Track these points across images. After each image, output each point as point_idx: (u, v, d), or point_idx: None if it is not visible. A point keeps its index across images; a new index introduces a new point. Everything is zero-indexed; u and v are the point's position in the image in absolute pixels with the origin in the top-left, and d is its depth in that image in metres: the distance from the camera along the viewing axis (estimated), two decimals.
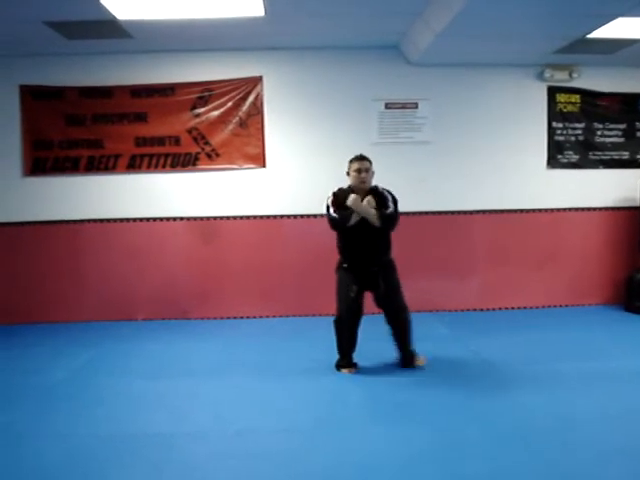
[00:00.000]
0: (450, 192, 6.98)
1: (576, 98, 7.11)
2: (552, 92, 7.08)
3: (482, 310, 7.09)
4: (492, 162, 7.07)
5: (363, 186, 4.79)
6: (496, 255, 7.12)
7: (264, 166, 6.92)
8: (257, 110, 6.87)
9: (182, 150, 6.86)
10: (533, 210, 7.14)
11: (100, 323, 6.73)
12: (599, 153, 7.19)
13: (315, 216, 6.85)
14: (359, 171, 4.76)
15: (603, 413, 3.96)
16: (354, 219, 4.70)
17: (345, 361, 4.92)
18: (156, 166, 6.87)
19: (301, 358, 5.31)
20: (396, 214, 4.79)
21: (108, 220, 6.89)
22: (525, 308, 7.12)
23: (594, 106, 7.13)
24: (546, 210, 7.15)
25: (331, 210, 4.83)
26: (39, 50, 6.51)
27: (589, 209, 7.20)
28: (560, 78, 6.99)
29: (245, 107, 6.86)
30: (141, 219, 6.90)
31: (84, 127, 6.79)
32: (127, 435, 3.74)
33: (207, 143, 6.86)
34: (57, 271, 6.87)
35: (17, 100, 6.75)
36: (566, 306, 7.16)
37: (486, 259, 7.13)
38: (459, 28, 5.44)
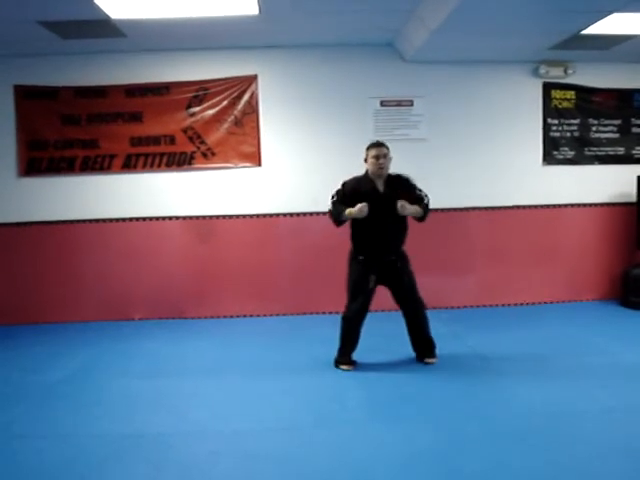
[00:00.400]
0: (446, 189, 6.97)
1: (571, 94, 7.12)
2: (547, 88, 7.09)
3: (479, 307, 7.10)
4: (488, 159, 7.07)
5: (381, 172, 4.77)
6: (492, 252, 7.13)
7: (260, 165, 6.92)
8: (252, 109, 6.86)
9: (177, 149, 6.85)
10: (529, 206, 7.14)
11: (97, 323, 6.72)
12: (594, 149, 7.20)
13: (311, 214, 6.88)
14: (377, 157, 4.73)
15: (602, 408, 3.98)
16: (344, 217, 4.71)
17: (345, 358, 4.92)
18: (152, 166, 6.85)
19: (299, 356, 5.31)
20: (428, 202, 4.87)
21: (104, 220, 6.87)
22: (522, 304, 7.13)
23: (589, 102, 7.14)
24: (542, 206, 7.16)
25: (331, 203, 4.83)
26: (33, 50, 6.49)
27: (585, 205, 7.21)
28: (555, 74, 6.99)
29: (240, 106, 6.85)
30: (137, 219, 6.88)
31: (79, 127, 6.77)
32: (125, 434, 3.74)
33: (202, 142, 6.85)
34: (53, 271, 6.85)
35: (11, 100, 6.73)
36: (563, 302, 7.17)
37: (482, 256, 7.13)
38: (454, 25, 5.43)
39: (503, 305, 7.12)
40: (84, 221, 6.86)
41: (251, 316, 6.95)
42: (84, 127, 6.77)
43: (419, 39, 6.09)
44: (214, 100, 6.81)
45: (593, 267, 7.24)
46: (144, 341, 6.01)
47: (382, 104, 6.93)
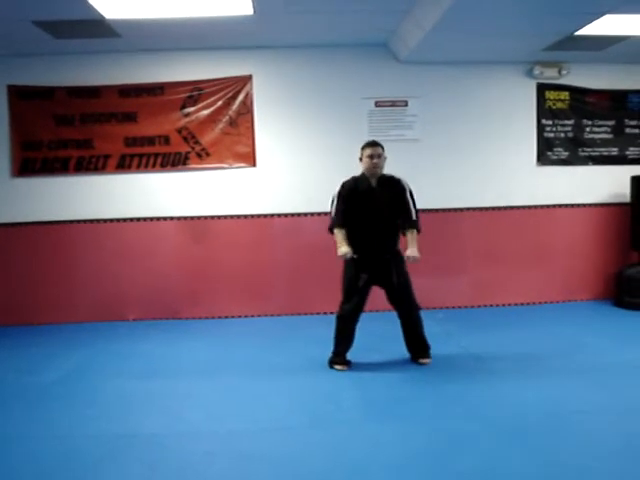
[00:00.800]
0: (440, 189, 6.99)
1: (565, 95, 7.14)
2: (541, 89, 7.11)
3: (473, 307, 7.11)
4: (482, 159, 7.09)
5: (375, 171, 4.81)
6: (486, 252, 7.14)
7: (254, 165, 6.91)
8: (247, 109, 6.86)
9: (172, 150, 6.84)
10: (523, 207, 7.16)
11: (91, 324, 6.70)
12: (588, 150, 7.22)
13: (305, 215, 6.88)
14: (371, 157, 4.76)
15: (596, 408, 3.99)
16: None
17: (339, 358, 4.92)
18: (146, 166, 6.84)
19: (294, 356, 5.30)
20: (417, 213, 4.91)
21: (98, 220, 6.86)
22: (516, 305, 7.14)
23: (583, 103, 7.16)
24: (536, 207, 7.18)
25: (333, 207, 4.84)
26: (27, 50, 6.47)
27: (579, 205, 7.23)
28: (549, 75, 7.01)
29: (235, 106, 6.85)
30: (131, 219, 6.87)
31: (73, 127, 6.75)
32: (120, 435, 3.73)
33: (197, 142, 6.84)
34: (47, 272, 6.83)
35: (5, 100, 6.71)
36: (557, 302, 7.19)
37: (477, 256, 7.14)
38: (448, 25, 5.44)
39: (497, 305, 7.13)
40: (78, 221, 6.84)
41: (246, 316, 6.95)
42: (78, 127, 6.76)
43: (413, 39, 6.09)
44: (209, 100, 6.81)
45: (587, 267, 7.26)
46: (139, 342, 5.99)
47: (376, 104, 6.94)
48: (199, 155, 6.86)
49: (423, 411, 4.04)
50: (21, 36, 6.02)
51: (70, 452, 3.50)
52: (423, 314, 5.00)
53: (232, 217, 6.93)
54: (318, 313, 6.75)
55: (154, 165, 6.84)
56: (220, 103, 6.82)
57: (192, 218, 6.91)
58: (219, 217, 6.92)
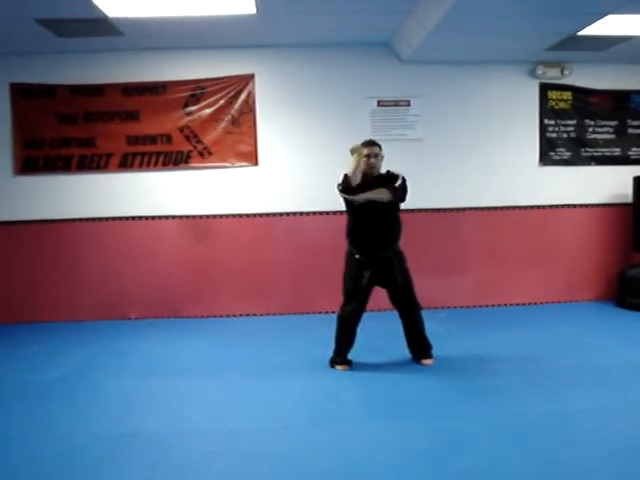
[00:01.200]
0: (442, 189, 6.99)
1: (568, 95, 7.12)
2: (544, 89, 7.09)
3: (475, 307, 7.10)
4: (484, 159, 7.08)
5: (372, 171, 4.80)
6: (489, 252, 7.13)
7: (256, 164, 6.91)
8: (249, 108, 6.86)
9: (174, 148, 6.84)
10: (525, 207, 7.15)
11: (93, 322, 6.70)
12: (591, 150, 7.21)
13: (308, 214, 6.88)
14: (368, 157, 4.75)
15: (598, 408, 3.99)
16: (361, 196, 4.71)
17: (340, 358, 4.92)
18: (148, 164, 6.84)
19: (295, 356, 5.31)
20: (404, 186, 4.79)
21: (100, 219, 6.86)
22: (518, 305, 7.13)
23: (586, 103, 7.15)
24: (538, 207, 7.17)
25: (340, 181, 4.79)
26: (30, 48, 6.47)
27: (581, 206, 7.22)
28: (552, 75, 7.00)
29: (237, 105, 6.84)
30: (133, 218, 6.87)
31: (75, 125, 6.75)
32: (121, 434, 3.73)
33: (199, 141, 6.84)
34: (49, 270, 6.83)
35: (8, 98, 6.71)
36: (559, 302, 7.18)
37: (479, 256, 7.14)
38: (451, 25, 5.44)
39: (499, 305, 7.13)
40: (80, 220, 6.84)
41: (247, 315, 6.95)
42: (81, 126, 6.75)
43: (416, 39, 6.09)
44: (211, 99, 6.80)
45: (589, 268, 7.25)
46: (140, 340, 6.00)
47: (379, 104, 6.93)
48: (201, 154, 6.86)
49: (424, 411, 4.04)
50: (24, 34, 6.02)
51: (71, 451, 3.50)
52: (425, 314, 5.00)
53: (234, 216, 6.93)
54: (320, 312, 6.75)
55: (156, 164, 6.84)
56: (222, 102, 6.82)
57: (194, 217, 6.91)
58: (221, 216, 6.92)
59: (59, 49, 6.52)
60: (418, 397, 4.27)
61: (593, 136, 7.21)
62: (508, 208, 7.13)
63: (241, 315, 6.94)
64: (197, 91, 6.79)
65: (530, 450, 3.37)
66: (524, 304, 7.14)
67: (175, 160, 6.85)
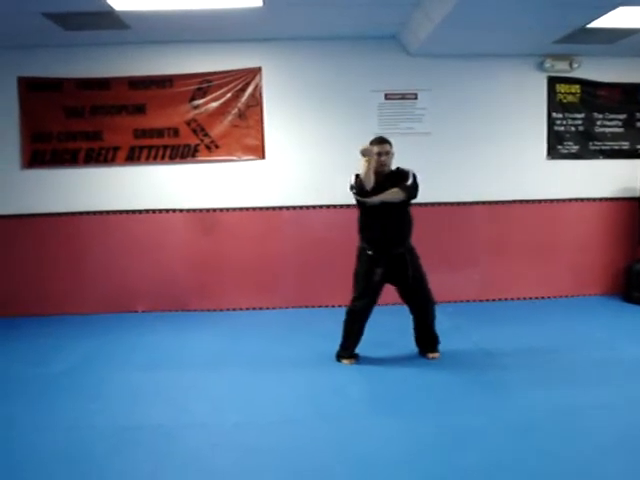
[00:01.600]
0: (450, 183, 6.96)
1: (576, 88, 7.08)
2: (552, 82, 7.05)
3: (482, 301, 7.09)
4: (492, 153, 7.05)
5: (383, 169, 4.76)
6: (496, 246, 7.11)
7: (263, 157, 6.90)
8: (256, 101, 6.84)
9: (181, 142, 6.84)
10: (533, 201, 7.12)
11: (100, 315, 6.72)
12: (599, 143, 7.17)
13: (314, 207, 6.87)
14: (379, 154, 4.71)
15: (605, 403, 3.97)
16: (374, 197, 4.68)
17: (347, 352, 4.91)
18: (155, 158, 6.84)
19: (301, 349, 5.31)
20: (415, 184, 4.75)
21: (107, 212, 6.87)
22: (525, 299, 7.12)
23: (594, 96, 7.10)
24: (546, 201, 7.13)
25: (352, 182, 4.77)
26: (37, 42, 6.48)
27: (589, 199, 7.19)
28: (560, 68, 6.96)
29: (244, 98, 6.83)
30: (140, 211, 6.88)
31: (82, 119, 6.76)
32: (126, 427, 3.75)
33: (206, 135, 6.84)
34: (56, 263, 6.86)
35: (15, 92, 6.72)
36: (566, 297, 7.15)
37: (486, 250, 7.12)
38: (458, 18, 5.40)
39: (507, 299, 7.11)
40: (87, 213, 6.86)
41: (254, 309, 6.95)
42: (88, 119, 6.76)
43: (423, 32, 6.06)
44: (218, 92, 6.79)
45: (596, 262, 7.22)
46: (146, 333, 6.01)
47: (386, 97, 6.91)
48: (208, 147, 6.86)
49: (430, 406, 4.03)
50: (31, 28, 6.02)
51: (76, 444, 3.51)
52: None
53: (241, 209, 6.92)
54: (326, 306, 6.75)
55: (163, 157, 6.85)
56: (229, 95, 6.81)
57: (201, 210, 6.91)
58: (228, 209, 6.92)
59: (66, 43, 6.52)
60: (425, 392, 4.27)
61: (601, 129, 7.17)
62: (516, 202, 7.10)
63: (247, 309, 6.95)
64: (204, 84, 6.78)
65: (537, 445, 3.36)
66: (531, 298, 7.12)
67: (182, 153, 6.85)
